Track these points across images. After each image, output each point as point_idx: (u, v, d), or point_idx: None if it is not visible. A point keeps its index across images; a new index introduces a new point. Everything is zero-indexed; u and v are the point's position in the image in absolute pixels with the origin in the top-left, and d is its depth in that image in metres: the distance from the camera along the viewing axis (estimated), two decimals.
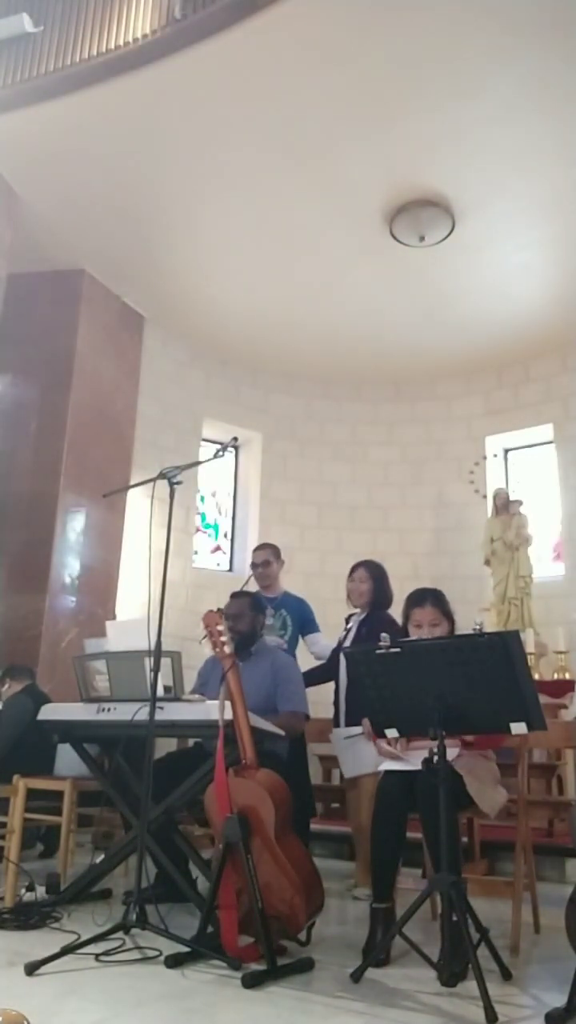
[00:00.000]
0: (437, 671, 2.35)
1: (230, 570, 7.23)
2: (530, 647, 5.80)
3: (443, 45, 4.15)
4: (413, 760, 2.59)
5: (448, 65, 4.26)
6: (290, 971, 2.37)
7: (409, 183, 5.12)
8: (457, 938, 2.23)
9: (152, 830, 2.93)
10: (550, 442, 6.99)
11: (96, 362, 6.13)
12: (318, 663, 4.35)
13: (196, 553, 7.11)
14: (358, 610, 4.04)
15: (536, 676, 5.71)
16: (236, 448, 7.60)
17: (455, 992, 2.23)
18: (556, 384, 6.90)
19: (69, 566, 5.69)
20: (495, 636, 2.29)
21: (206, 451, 6.96)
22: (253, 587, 4.59)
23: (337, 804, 5.32)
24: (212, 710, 2.87)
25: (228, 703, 2.76)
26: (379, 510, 7.48)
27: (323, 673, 4.17)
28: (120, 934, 2.59)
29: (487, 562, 6.55)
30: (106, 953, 2.45)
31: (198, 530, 7.21)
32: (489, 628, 4.53)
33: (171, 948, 2.47)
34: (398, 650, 2.45)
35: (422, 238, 5.44)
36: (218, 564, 7.37)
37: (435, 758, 2.32)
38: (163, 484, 3.05)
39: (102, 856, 3.30)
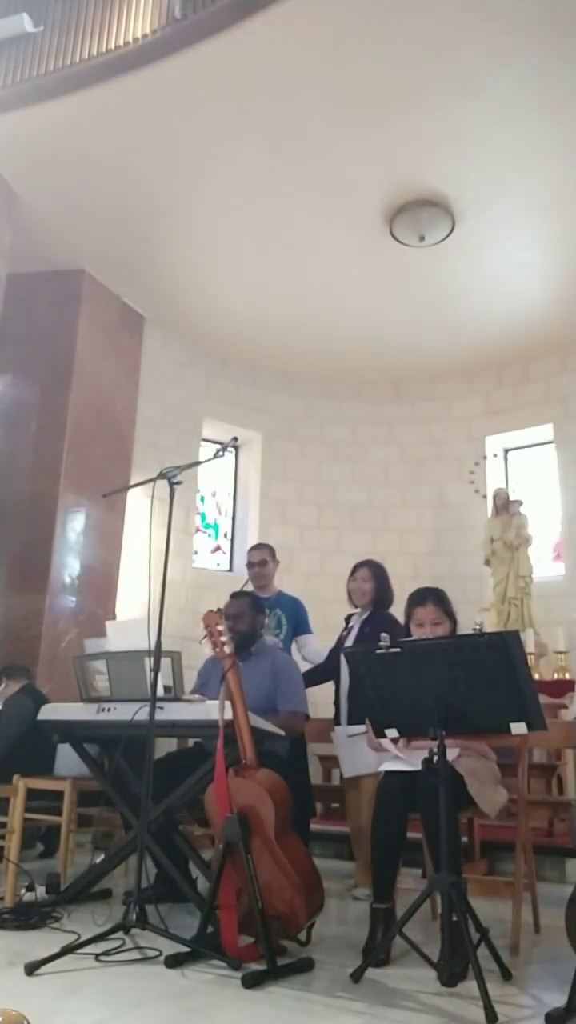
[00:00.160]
0: (437, 671, 2.35)
1: (230, 570, 7.23)
2: (530, 647, 5.80)
3: (443, 45, 4.15)
4: (413, 760, 2.59)
5: (448, 65, 4.26)
6: (290, 971, 2.37)
7: (409, 183, 5.12)
8: (457, 938, 2.22)
9: (152, 830, 2.93)
10: (550, 442, 6.99)
11: (96, 362, 6.13)
12: (317, 663, 4.35)
13: (196, 553, 7.11)
14: (358, 610, 4.05)
15: (536, 676, 5.71)
16: (236, 448, 7.60)
17: (455, 992, 2.23)
18: (556, 384, 6.90)
19: (69, 566, 5.69)
20: (495, 636, 2.29)
21: (206, 451, 6.96)
22: (248, 587, 4.61)
23: (337, 804, 5.32)
24: (212, 710, 2.87)
25: (228, 703, 2.76)
26: (379, 510, 7.48)
27: (323, 673, 4.17)
28: (120, 934, 2.59)
29: (487, 562, 6.55)
30: (106, 953, 2.45)
31: (198, 530, 7.21)
32: (489, 628, 4.53)
33: (171, 948, 2.47)
34: (398, 650, 2.45)
35: (422, 238, 5.44)
36: (218, 564, 7.37)
37: (435, 758, 2.32)
38: (163, 484, 3.06)
39: (102, 856, 3.30)
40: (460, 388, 7.47)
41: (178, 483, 3.04)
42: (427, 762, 2.35)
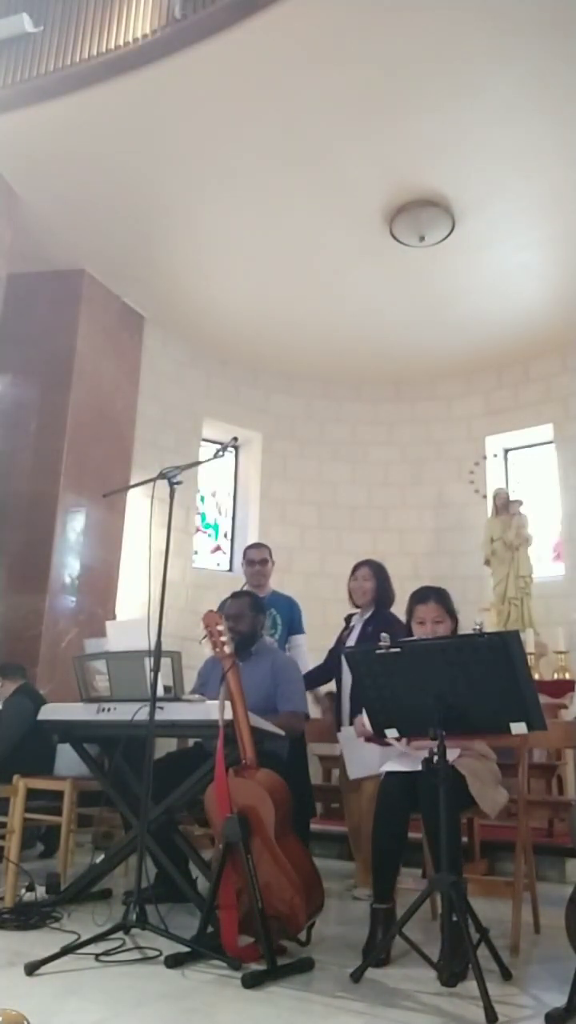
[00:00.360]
0: (437, 671, 2.35)
1: (230, 570, 7.23)
2: (530, 647, 5.80)
3: (443, 45, 4.14)
4: (414, 760, 2.59)
5: (448, 65, 4.26)
6: (290, 971, 2.38)
7: (409, 183, 5.12)
8: (457, 938, 2.22)
9: (152, 830, 2.93)
10: (550, 442, 6.99)
11: (96, 362, 6.13)
12: (316, 665, 4.33)
13: (196, 553, 7.11)
14: (359, 609, 4.05)
15: (536, 676, 5.71)
16: (236, 448, 7.60)
17: (455, 992, 2.23)
18: (556, 384, 6.90)
19: (69, 566, 5.69)
20: (495, 636, 2.29)
21: (206, 451, 6.96)
22: (245, 586, 4.62)
23: (337, 804, 5.32)
24: (212, 710, 2.87)
25: (228, 703, 2.76)
26: (379, 510, 7.48)
27: (323, 673, 4.17)
28: (120, 934, 2.59)
29: (487, 562, 6.55)
30: (106, 953, 2.45)
31: (198, 530, 7.21)
32: (489, 628, 4.53)
33: (171, 948, 2.47)
34: (398, 650, 2.45)
35: (422, 238, 5.44)
36: (218, 564, 7.37)
37: (435, 758, 2.32)
38: (163, 484, 3.05)
39: (102, 856, 3.30)
40: (460, 388, 7.47)
41: (178, 483, 3.04)
42: (427, 762, 2.35)
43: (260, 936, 2.43)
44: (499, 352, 6.97)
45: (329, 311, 6.53)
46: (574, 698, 5.80)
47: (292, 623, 4.62)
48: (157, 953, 2.48)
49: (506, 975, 2.36)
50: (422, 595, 2.99)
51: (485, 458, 7.29)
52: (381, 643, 2.50)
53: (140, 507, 6.16)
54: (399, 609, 3.35)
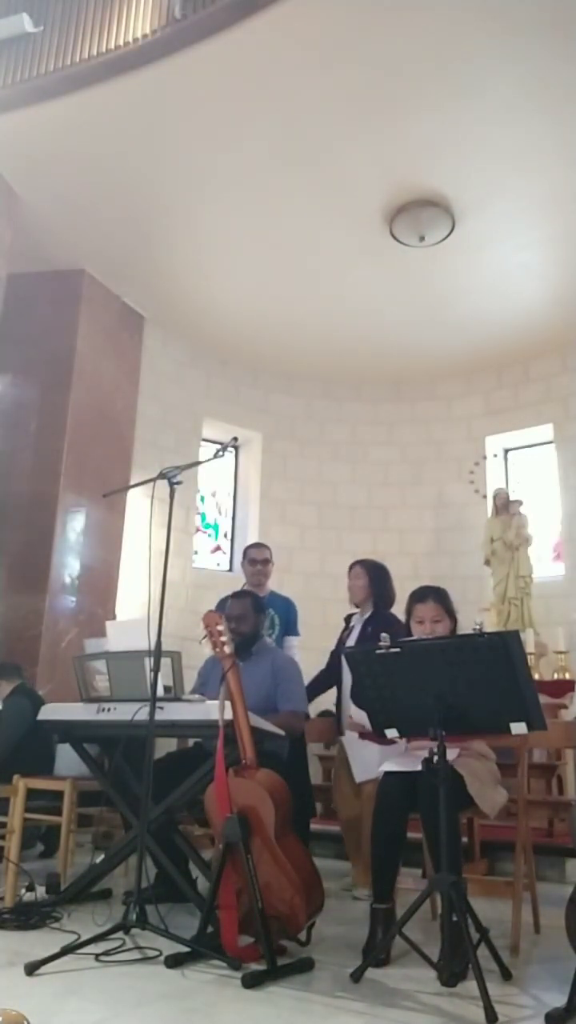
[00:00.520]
0: (437, 671, 2.35)
1: (230, 570, 7.23)
2: (530, 647, 5.80)
3: (443, 45, 4.14)
4: (412, 760, 2.59)
5: (448, 65, 4.26)
6: (290, 971, 2.38)
7: (409, 183, 5.12)
8: (457, 938, 2.22)
9: (152, 830, 2.93)
10: (550, 442, 6.99)
11: (96, 362, 6.13)
12: (320, 670, 4.31)
13: (196, 553, 7.11)
14: (358, 609, 4.04)
15: (536, 676, 5.71)
16: (236, 448, 7.60)
17: (455, 992, 2.23)
18: (556, 384, 6.90)
19: (69, 566, 5.69)
20: (495, 636, 2.29)
21: (206, 451, 6.96)
22: (245, 585, 4.62)
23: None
24: (212, 710, 2.87)
25: (228, 703, 2.76)
26: (379, 510, 7.48)
27: (328, 677, 4.12)
28: (120, 934, 2.60)
29: (487, 562, 6.55)
30: (106, 953, 2.45)
31: (198, 530, 7.21)
32: (489, 628, 4.53)
33: (171, 948, 2.47)
34: (398, 650, 2.45)
35: (422, 238, 5.44)
36: (218, 564, 7.37)
37: (435, 758, 2.32)
38: (163, 484, 3.05)
39: (102, 856, 3.30)
40: (460, 388, 7.47)
41: (178, 483, 3.04)
42: (427, 762, 2.35)
43: (260, 936, 2.43)
44: (499, 352, 6.97)
45: (329, 311, 6.53)
46: (574, 698, 5.80)
47: (288, 625, 4.63)
48: (157, 953, 2.48)
49: (506, 975, 2.36)
50: (421, 594, 3.00)
51: (485, 458, 7.29)
52: (381, 643, 2.50)
53: (140, 507, 6.16)
54: (399, 611, 3.34)
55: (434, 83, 4.38)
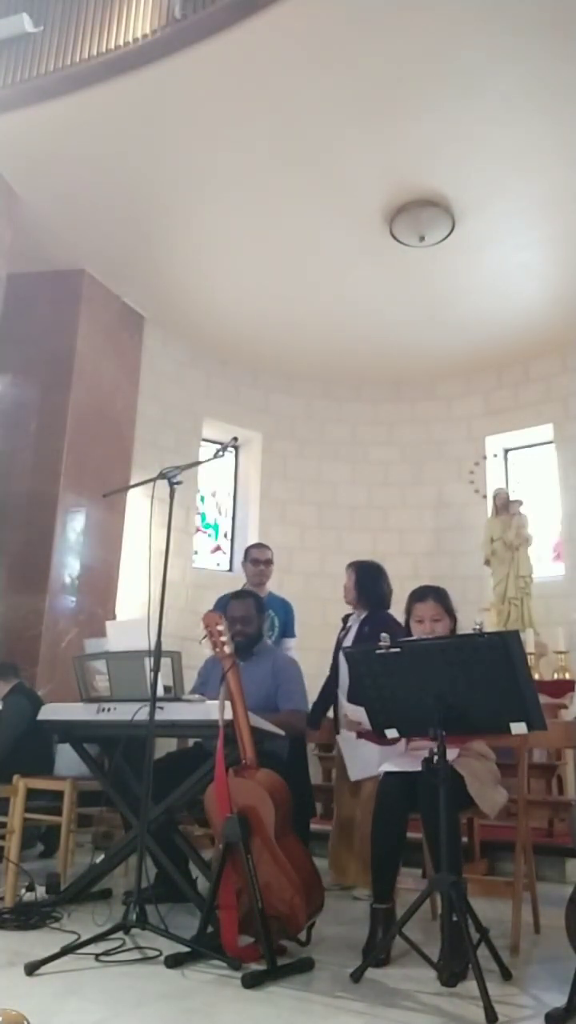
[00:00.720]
0: (437, 671, 2.35)
1: (230, 570, 7.23)
2: (530, 647, 5.80)
3: (443, 45, 4.14)
4: (412, 760, 2.59)
5: (448, 65, 4.26)
6: (290, 971, 2.38)
7: (409, 183, 5.12)
8: (457, 938, 2.22)
9: (152, 830, 2.93)
10: (550, 442, 6.99)
11: (96, 362, 6.13)
12: (327, 677, 4.28)
13: (196, 553, 7.11)
14: (355, 611, 4.04)
15: (536, 676, 5.71)
16: (236, 448, 7.60)
17: (455, 992, 2.23)
18: (556, 384, 6.90)
19: (69, 566, 5.69)
20: (495, 636, 2.29)
21: (206, 451, 6.96)
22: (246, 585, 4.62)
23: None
24: (212, 710, 2.87)
25: (228, 703, 2.76)
26: (379, 510, 7.48)
27: (334, 681, 4.10)
28: (120, 934, 2.59)
29: (487, 562, 6.55)
30: (106, 953, 2.45)
31: (198, 530, 7.21)
32: (489, 628, 4.53)
33: (171, 948, 2.47)
34: (398, 650, 2.45)
35: (422, 238, 5.44)
36: (218, 564, 7.37)
37: (435, 758, 2.32)
38: (163, 484, 3.05)
39: (102, 856, 3.30)
40: (460, 388, 7.47)
41: (178, 483, 3.04)
42: (427, 762, 2.35)
43: (260, 936, 2.43)
44: (499, 352, 6.97)
45: (329, 311, 6.53)
46: (574, 698, 5.80)
47: (286, 627, 4.65)
48: (157, 953, 2.48)
49: (506, 975, 2.36)
50: (420, 594, 3.00)
51: (485, 458, 7.29)
52: (381, 643, 2.50)
53: (140, 507, 6.16)
54: (398, 611, 3.34)
55: (434, 83, 4.38)
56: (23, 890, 3.18)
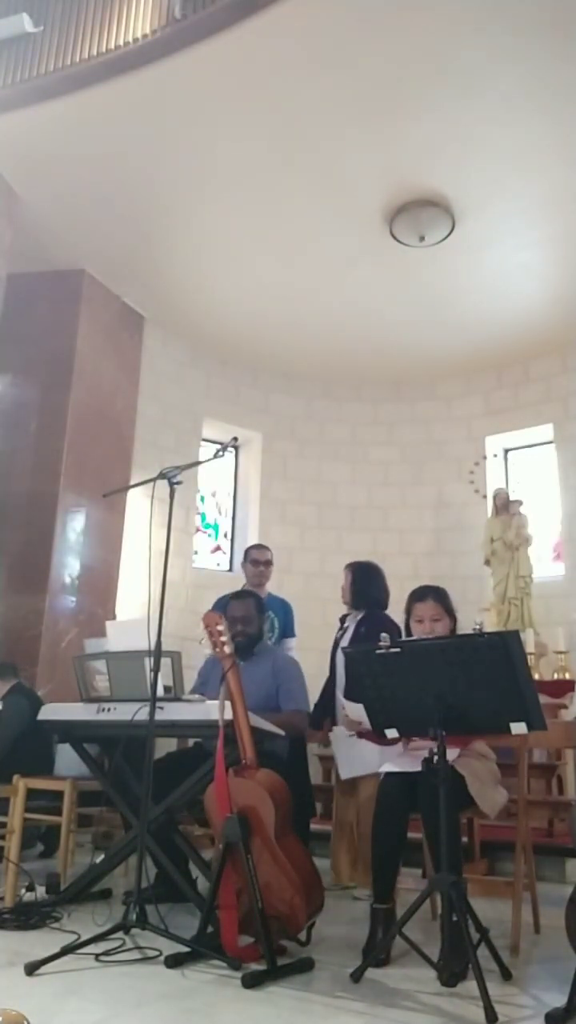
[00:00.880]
0: (437, 671, 2.34)
1: (230, 570, 7.23)
2: (530, 647, 5.80)
3: (443, 45, 4.14)
4: (413, 760, 2.59)
5: (448, 65, 4.26)
6: (290, 971, 2.37)
7: (409, 183, 5.12)
8: (457, 938, 2.22)
9: (152, 830, 2.93)
10: (550, 442, 6.99)
11: (96, 362, 6.13)
12: (327, 680, 4.29)
13: (196, 553, 7.11)
14: (352, 611, 4.05)
15: (536, 676, 5.71)
16: (236, 448, 7.60)
17: (455, 992, 2.23)
18: (556, 384, 6.90)
19: (69, 566, 5.69)
20: (495, 636, 2.29)
21: (206, 451, 6.96)
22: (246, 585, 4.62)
23: None
24: (212, 710, 2.87)
25: (228, 703, 2.76)
26: (379, 510, 7.48)
27: (332, 686, 4.11)
28: (120, 934, 2.59)
29: (487, 562, 6.55)
30: (106, 953, 2.45)
31: (198, 530, 7.21)
32: (489, 628, 4.53)
33: (171, 948, 2.47)
34: (398, 650, 2.45)
35: (422, 238, 5.44)
36: (218, 564, 7.37)
37: (435, 758, 2.32)
38: (163, 484, 3.05)
39: (102, 856, 3.30)
40: (460, 388, 7.47)
41: (178, 483, 3.04)
42: (427, 762, 2.35)
43: (260, 936, 2.43)
44: (499, 352, 6.97)
45: (329, 311, 6.53)
46: (574, 698, 5.80)
47: (286, 627, 4.65)
48: (157, 953, 2.48)
49: (506, 975, 2.36)
50: (420, 593, 3.00)
51: (485, 458, 7.29)
52: (381, 643, 2.50)
53: (140, 507, 6.16)
54: (396, 611, 3.34)
55: (434, 83, 4.38)
56: (23, 890, 3.18)
